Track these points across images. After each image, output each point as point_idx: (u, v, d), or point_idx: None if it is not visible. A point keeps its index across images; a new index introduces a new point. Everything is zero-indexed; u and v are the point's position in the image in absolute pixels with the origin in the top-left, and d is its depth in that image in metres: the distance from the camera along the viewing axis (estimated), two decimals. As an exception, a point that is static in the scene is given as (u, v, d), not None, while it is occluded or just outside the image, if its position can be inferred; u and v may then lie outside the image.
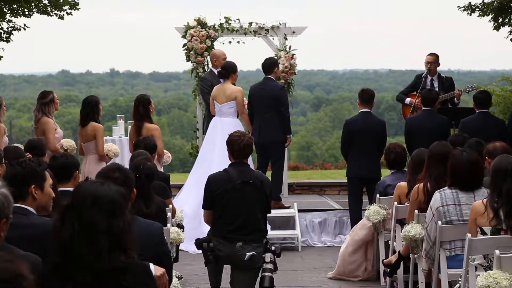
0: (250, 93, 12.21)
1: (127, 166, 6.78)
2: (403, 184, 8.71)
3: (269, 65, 12.17)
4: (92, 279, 3.49)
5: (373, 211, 9.20)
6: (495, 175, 6.49)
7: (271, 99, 11.91)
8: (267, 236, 7.61)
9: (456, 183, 7.13)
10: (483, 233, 6.54)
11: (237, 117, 12.05)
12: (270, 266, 7.26)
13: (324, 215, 12.41)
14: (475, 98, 11.07)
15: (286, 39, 13.84)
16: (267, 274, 7.22)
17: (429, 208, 7.30)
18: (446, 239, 7.17)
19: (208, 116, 12.56)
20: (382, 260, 8.97)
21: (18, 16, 14.80)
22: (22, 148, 9.38)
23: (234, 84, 12.04)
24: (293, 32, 13.86)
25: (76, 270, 3.48)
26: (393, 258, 8.59)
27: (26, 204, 4.90)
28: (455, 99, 12.45)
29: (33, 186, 4.91)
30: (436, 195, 7.20)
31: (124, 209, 3.61)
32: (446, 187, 7.20)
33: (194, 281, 9.62)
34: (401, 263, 8.52)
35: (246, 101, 12.22)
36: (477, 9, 14.73)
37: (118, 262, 3.50)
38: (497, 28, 14.83)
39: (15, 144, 10.49)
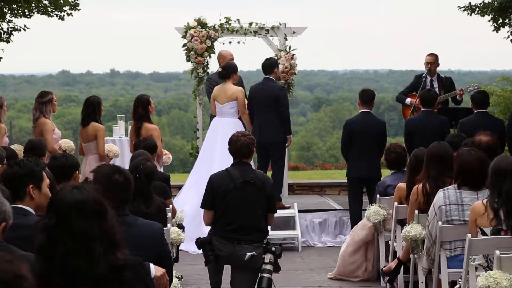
0: (250, 94, 12.19)
1: (127, 166, 6.77)
2: (403, 185, 8.69)
3: (269, 65, 12.16)
4: (93, 281, 3.47)
5: (373, 211, 9.20)
6: (495, 175, 6.49)
7: (271, 100, 11.90)
8: (268, 237, 7.60)
9: (465, 183, 7.11)
10: (483, 233, 6.53)
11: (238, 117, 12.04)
12: (268, 267, 7.25)
13: (324, 215, 12.40)
14: (473, 99, 11.08)
15: (286, 39, 13.82)
16: (265, 275, 7.20)
17: (431, 206, 7.29)
18: (447, 239, 7.17)
19: (213, 116, 12.53)
20: (381, 269, 8.95)
21: (18, 17, 14.80)
22: (22, 148, 9.38)
23: (235, 84, 12.04)
24: (293, 32, 13.84)
25: (76, 278, 3.45)
26: (392, 264, 8.57)
27: (24, 204, 4.89)
28: (457, 97, 12.44)
29: (31, 186, 4.91)
30: (440, 194, 7.19)
31: (107, 206, 3.55)
32: (451, 186, 7.19)
33: (194, 281, 9.61)
34: (401, 267, 8.52)
35: (247, 101, 12.20)
36: (477, 9, 14.73)
37: (115, 260, 3.48)
38: (496, 29, 14.83)
39: (14, 145, 10.49)
